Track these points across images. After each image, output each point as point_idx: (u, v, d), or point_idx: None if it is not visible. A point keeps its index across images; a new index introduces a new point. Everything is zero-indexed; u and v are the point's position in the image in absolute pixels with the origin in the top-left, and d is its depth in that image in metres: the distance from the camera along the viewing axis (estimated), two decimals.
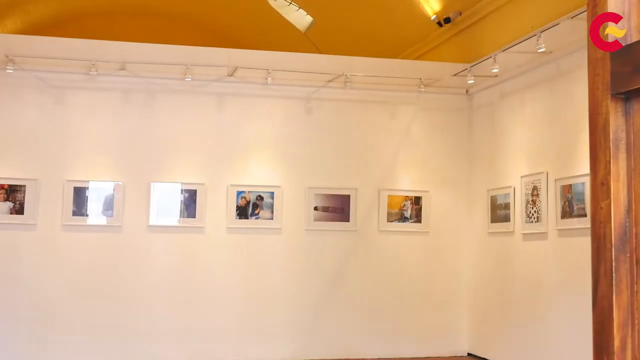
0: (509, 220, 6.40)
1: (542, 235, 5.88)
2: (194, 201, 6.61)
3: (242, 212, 6.68)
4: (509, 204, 6.42)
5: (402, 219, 7.02)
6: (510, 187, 6.40)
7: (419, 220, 7.04)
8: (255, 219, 6.71)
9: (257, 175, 6.76)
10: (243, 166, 6.74)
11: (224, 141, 6.72)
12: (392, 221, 6.99)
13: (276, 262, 6.73)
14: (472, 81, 6.49)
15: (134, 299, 6.42)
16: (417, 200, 7.06)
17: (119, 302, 6.39)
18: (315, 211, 6.83)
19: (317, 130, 6.92)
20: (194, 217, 6.61)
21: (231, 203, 6.65)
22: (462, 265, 7.06)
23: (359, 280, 6.86)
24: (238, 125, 6.77)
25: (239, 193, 6.69)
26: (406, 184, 7.07)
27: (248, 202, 6.70)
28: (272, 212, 6.73)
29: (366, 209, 6.95)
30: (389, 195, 7.00)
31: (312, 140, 6.90)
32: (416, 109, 7.16)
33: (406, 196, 7.04)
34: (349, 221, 6.89)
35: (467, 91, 7.21)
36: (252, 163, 6.77)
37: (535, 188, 6.03)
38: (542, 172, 5.94)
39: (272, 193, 6.74)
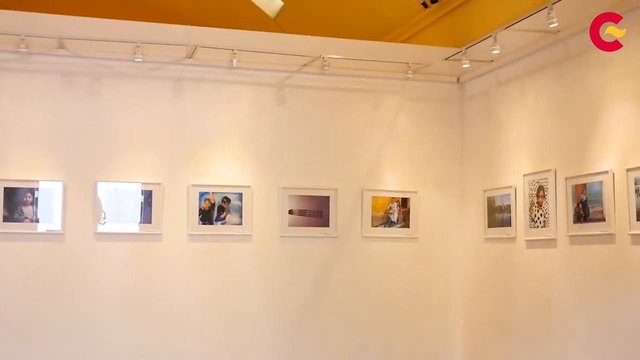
0: (510, 225, 5.64)
1: (550, 242, 5.14)
2: (150, 204, 5.66)
3: (206, 216, 5.76)
4: (509, 206, 5.67)
5: (388, 223, 6.20)
6: (511, 187, 5.65)
7: (406, 225, 6.24)
8: (221, 224, 5.79)
9: (222, 174, 5.84)
10: (206, 163, 5.82)
11: (184, 134, 5.79)
12: (377, 226, 6.17)
13: (246, 275, 5.83)
14: (467, 65, 5.72)
15: (78, 319, 5.44)
16: (404, 202, 6.26)
17: (59, 323, 5.40)
18: (290, 215, 5.96)
19: (291, 122, 6.05)
20: (150, 222, 5.65)
21: (193, 206, 5.72)
22: (455, 274, 6.28)
23: (342, 293, 6.02)
24: (199, 116, 5.84)
25: (201, 194, 5.76)
26: (392, 184, 6.26)
27: (212, 205, 5.78)
28: (241, 216, 5.83)
29: (348, 212, 6.11)
30: (373, 197, 6.17)
31: (286, 134, 6.02)
32: (402, 99, 6.35)
33: (392, 197, 6.23)
34: (328, 226, 6.04)
35: (458, 79, 6.44)
36: (217, 159, 5.86)
37: (541, 188, 5.29)
38: (549, 170, 5.20)
39: (241, 194, 5.84)
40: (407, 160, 6.30)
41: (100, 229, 5.53)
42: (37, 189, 5.43)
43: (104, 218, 5.53)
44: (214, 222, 5.77)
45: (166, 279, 5.64)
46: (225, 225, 5.79)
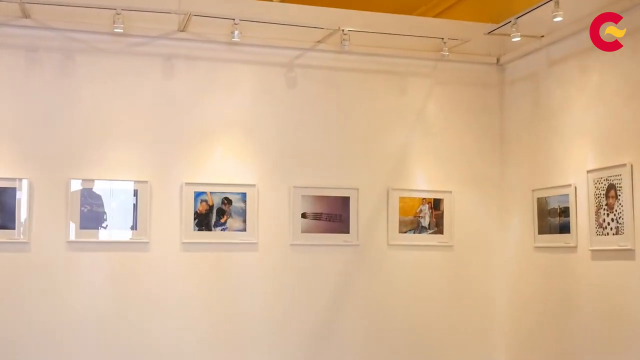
0: (568, 232, 4.69)
1: (626, 254, 4.20)
2: (135, 206, 4.68)
3: (203, 221, 4.78)
4: (567, 209, 4.72)
5: (419, 228, 5.25)
6: (570, 185, 4.70)
7: (440, 231, 5.28)
8: (221, 230, 4.81)
9: (222, 170, 4.87)
10: (202, 157, 4.84)
11: (175, 122, 4.81)
12: (405, 232, 5.21)
13: (251, 291, 4.86)
14: (517, 38, 4.78)
15: (46, 349, 4.45)
16: (437, 204, 5.30)
17: (22, 354, 4.41)
18: (303, 219, 4.99)
19: (304, 109, 5.09)
20: (135, 228, 4.67)
21: (187, 209, 4.74)
22: (498, 290, 5.33)
23: (364, 312, 5.05)
24: (194, 101, 4.87)
25: (197, 195, 4.78)
26: (423, 183, 5.30)
27: (211, 208, 4.80)
28: (245, 220, 4.85)
29: (371, 216, 5.14)
30: (400, 198, 5.21)
31: (297, 123, 5.06)
32: (433, 83, 5.40)
33: (423, 198, 5.27)
34: (348, 232, 5.07)
35: (497, 60, 5.50)
36: (215, 153, 4.88)
37: (612, 187, 4.34)
38: (622, 165, 4.25)
39: (244, 195, 4.87)
40: (439, 154, 5.35)
41: (74, 236, 4.54)
42: None
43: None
44: (213, 228, 4.79)
45: (154, 298, 4.66)
46: (225, 232, 4.82)
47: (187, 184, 4.76)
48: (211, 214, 4.80)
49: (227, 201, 4.83)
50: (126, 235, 4.66)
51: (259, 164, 4.94)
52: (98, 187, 4.63)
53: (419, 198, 5.26)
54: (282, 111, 5.03)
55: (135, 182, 4.67)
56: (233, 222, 4.83)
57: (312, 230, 5.00)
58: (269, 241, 4.90)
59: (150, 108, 4.77)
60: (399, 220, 5.20)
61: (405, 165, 5.27)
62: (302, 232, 4.97)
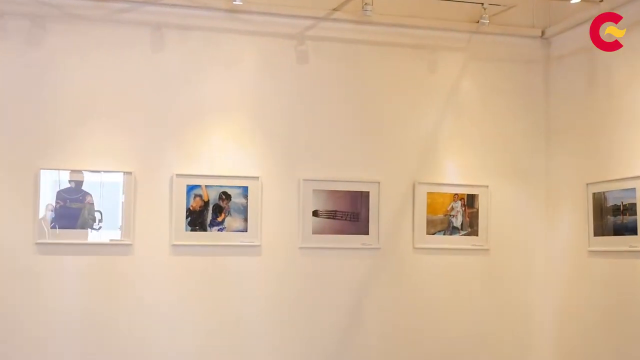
0: (635, 233, 3.91)
1: None
2: (116, 202, 3.97)
3: (197, 219, 4.06)
4: (633, 205, 3.94)
5: (450, 229, 4.49)
6: (637, 178, 3.91)
7: (474, 232, 4.52)
8: (218, 230, 4.09)
9: (220, 160, 4.14)
10: (197, 145, 4.12)
11: (165, 103, 4.09)
12: (434, 233, 4.46)
13: (253, 303, 4.14)
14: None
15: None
16: (471, 201, 4.53)
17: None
18: (315, 218, 4.25)
19: (316, 89, 4.34)
20: (117, 228, 3.96)
21: (178, 205, 4.02)
22: (543, 301, 4.56)
23: (384, 328, 4.32)
24: (187, 78, 4.14)
25: (190, 188, 4.06)
26: (455, 176, 4.54)
27: (206, 204, 4.08)
28: (246, 219, 4.12)
29: (394, 214, 4.39)
30: (429, 193, 4.46)
31: (309, 105, 4.31)
32: (467, 58, 4.63)
33: (455, 194, 4.51)
34: (367, 234, 4.32)
35: (542, 32, 4.71)
36: (212, 140, 4.15)
37: None
38: None
39: (246, 189, 4.14)
40: (474, 142, 4.58)
41: (42, 238, 3.84)
42: None
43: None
44: (208, 228, 4.07)
45: (139, 310, 3.95)
46: (223, 233, 4.09)
47: (178, 175, 4.03)
48: (206, 212, 4.07)
49: (225, 196, 4.10)
50: (105, 236, 3.94)
51: (264, 153, 4.20)
52: (71, 179, 3.92)
53: (450, 193, 4.50)
54: (291, 91, 4.28)
55: (116, 172, 3.95)
56: (232, 221, 4.10)
57: (325, 231, 4.25)
58: (274, 244, 4.17)
59: (135, 86, 4.04)
60: (427, 219, 4.44)
61: (435, 155, 4.51)
62: (313, 233, 4.23)
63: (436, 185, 4.47)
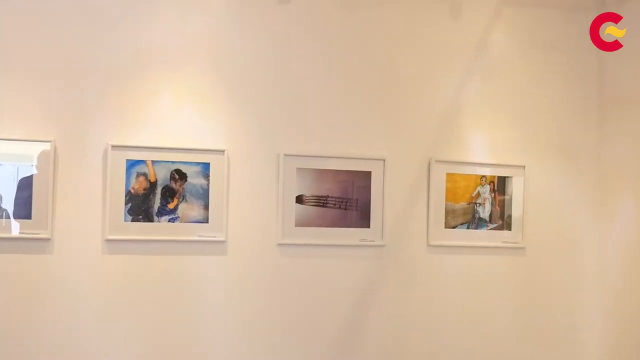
0: None
1: None
2: (29, 184, 2.94)
3: (140, 206, 3.04)
4: None
5: (475, 221, 3.47)
6: None
7: (506, 225, 3.51)
8: (170, 221, 3.07)
9: (172, 127, 3.11)
10: (141, 107, 3.08)
11: (99, 50, 3.05)
12: (454, 226, 3.44)
13: (216, 318, 3.12)
14: None
15: None
16: (502, 185, 3.51)
17: None
18: (299, 206, 3.23)
19: (304, 37, 3.30)
20: (29, 217, 2.93)
21: (114, 186, 3.00)
22: (593, 313, 3.55)
23: (390, 347, 3.31)
24: (130, 17, 3.09)
25: (131, 165, 3.04)
26: (482, 152, 3.51)
27: (153, 185, 3.06)
28: (207, 207, 3.10)
29: (404, 201, 3.37)
30: (448, 175, 3.43)
31: (293, 57, 3.28)
32: (499, 2, 3.59)
33: (482, 176, 3.49)
34: (369, 227, 3.31)
35: None
36: (163, 100, 3.11)
37: None
38: None
39: (207, 166, 3.11)
40: (507, 110, 3.56)
41: None
42: None
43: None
44: (155, 218, 3.05)
45: (58, 328, 2.94)
46: (176, 224, 3.07)
47: (114, 147, 3.01)
48: (153, 196, 3.05)
49: (178, 176, 3.08)
50: (14, 228, 2.92)
51: (231, 120, 3.17)
52: None
53: (476, 175, 3.48)
54: (270, 38, 3.25)
55: (28, 142, 2.93)
56: (188, 208, 3.09)
57: (313, 223, 3.23)
58: (244, 239, 3.15)
59: (57, 26, 3.01)
60: (446, 208, 3.42)
61: (456, 126, 3.48)
62: (297, 225, 3.21)
63: (458, 164, 3.45)
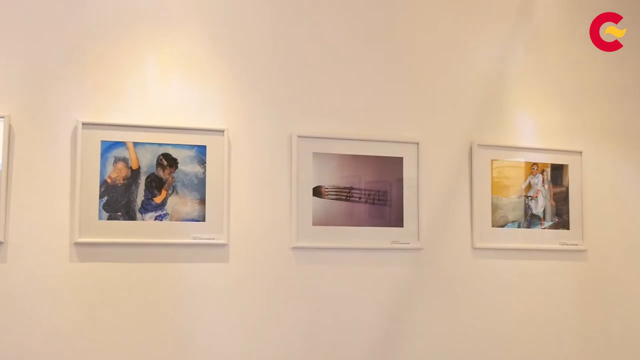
0: None
1: None
2: None
3: (119, 200, 2.41)
4: None
5: (527, 219, 2.88)
6: None
7: (564, 224, 2.92)
8: (156, 219, 2.44)
9: (159, 101, 2.50)
10: (119, 78, 2.47)
11: (66, 11, 2.45)
12: (502, 225, 2.84)
13: (215, 338, 2.48)
14: None
15: None
16: (557, 175, 2.94)
17: None
18: (317, 199, 2.62)
19: (318, 1, 2.73)
20: None
21: (86, 175, 2.38)
22: None
23: None
24: None
25: (108, 147, 2.42)
26: (532, 136, 2.94)
27: (135, 174, 2.43)
28: (203, 201, 2.48)
29: (443, 194, 2.78)
30: (494, 162, 2.85)
31: (308, 22, 2.70)
32: None
33: (533, 164, 2.91)
34: (402, 226, 2.70)
35: None
36: (148, 68, 2.51)
37: None
38: None
39: (203, 150, 2.50)
40: (560, 87, 3.00)
41: None
42: None
43: None
44: (139, 215, 2.42)
45: (18, 349, 2.29)
46: (164, 222, 2.44)
47: (86, 125, 2.39)
48: (135, 187, 2.43)
49: (167, 162, 2.47)
50: None
51: (233, 94, 2.57)
52: None
53: (527, 163, 2.90)
54: (278, 2, 2.67)
55: None
56: (179, 203, 2.46)
57: (334, 222, 2.62)
58: (249, 242, 2.53)
59: None
60: (492, 203, 2.83)
61: (502, 105, 2.91)
62: (315, 224, 2.60)
63: (505, 149, 2.87)
